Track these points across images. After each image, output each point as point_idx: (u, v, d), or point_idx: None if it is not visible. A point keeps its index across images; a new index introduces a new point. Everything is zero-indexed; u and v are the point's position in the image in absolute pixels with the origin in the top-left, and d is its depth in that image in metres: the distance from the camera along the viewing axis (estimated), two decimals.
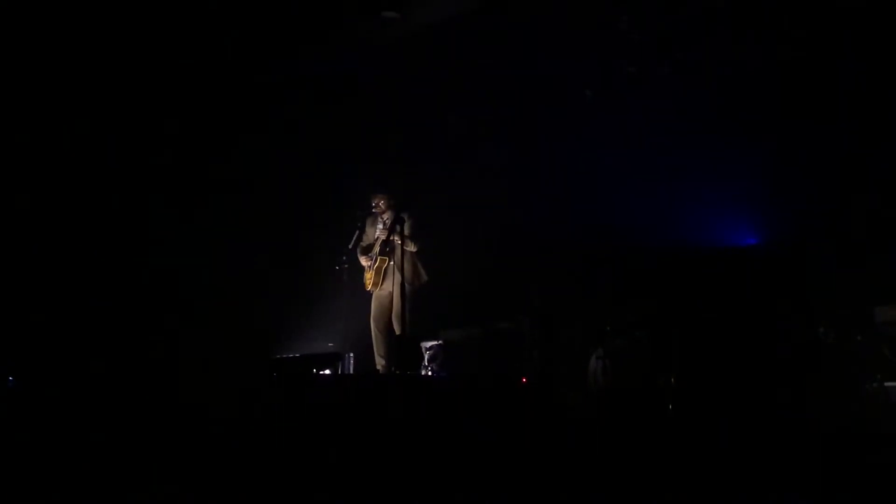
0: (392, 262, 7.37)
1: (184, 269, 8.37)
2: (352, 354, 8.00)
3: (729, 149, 7.87)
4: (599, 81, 8.43)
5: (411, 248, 7.26)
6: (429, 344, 7.89)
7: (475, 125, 8.95)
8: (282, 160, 8.91)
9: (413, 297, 7.11)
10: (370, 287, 7.57)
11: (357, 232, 7.64)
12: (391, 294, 7.43)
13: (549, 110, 8.66)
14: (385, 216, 7.57)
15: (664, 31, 7.97)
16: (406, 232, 7.13)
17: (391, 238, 7.30)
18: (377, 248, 7.52)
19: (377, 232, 7.61)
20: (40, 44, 7.70)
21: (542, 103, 8.66)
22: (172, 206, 8.48)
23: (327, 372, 7.16)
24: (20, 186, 7.85)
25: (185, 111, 8.49)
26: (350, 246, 7.62)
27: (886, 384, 6.23)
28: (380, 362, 7.48)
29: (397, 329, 7.24)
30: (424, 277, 7.46)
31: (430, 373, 7.70)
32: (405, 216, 7.16)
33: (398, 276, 7.08)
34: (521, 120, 8.80)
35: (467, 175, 8.92)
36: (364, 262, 7.62)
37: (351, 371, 7.86)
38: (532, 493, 4.48)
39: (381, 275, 7.49)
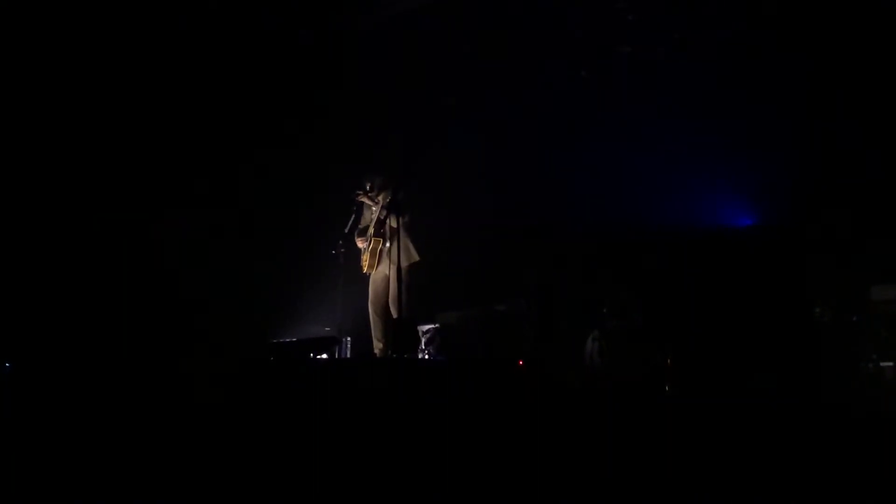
0: (387, 245, 7.37)
1: (179, 254, 8.34)
2: (349, 338, 8.00)
3: (724, 130, 7.86)
4: (595, 62, 8.40)
5: (402, 219, 7.24)
6: (426, 327, 7.89)
7: (471, 104, 8.91)
8: (277, 145, 8.87)
9: (408, 279, 7.10)
10: (366, 269, 7.56)
11: (353, 215, 7.63)
12: (386, 277, 7.43)
13: (545, 90, 8.63)
14: (380, 198, 7.55)
15: (660, 11, 7.94)
16: (400, 207, 7.11)
17: (386, 220, 7.30)
18: (371, 230, 7.51)
19: (372, 214, 7.60)
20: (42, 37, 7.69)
21: (538, 83, 8.62)
22: (166, 191, 8.44)
23: (324, 356, 7.17)
24: (23, 178, 7.85)
25: (181, 100, 8.45)
26: (346, 230, 7.62)
27: (882, 364, 6.25)
28: (377, 346, 7.49)
29: (394, 312, 7.23)
30: (416, 257, 7.42)
31: (427, 356, 7.70)
32: (400, 195, 7.15)
33: (393, 259, 7.07)
34: (516, 100, 8.77)
35: (463, 156, 8.89)
36: (360, 244, 7.61)
37: (348, 355, 7.86)
38: (530, 474, 4.49)
39: (375, 257, 7.49)
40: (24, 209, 7.86)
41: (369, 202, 7.56)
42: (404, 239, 7.30)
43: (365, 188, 7.60)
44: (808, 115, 7.46)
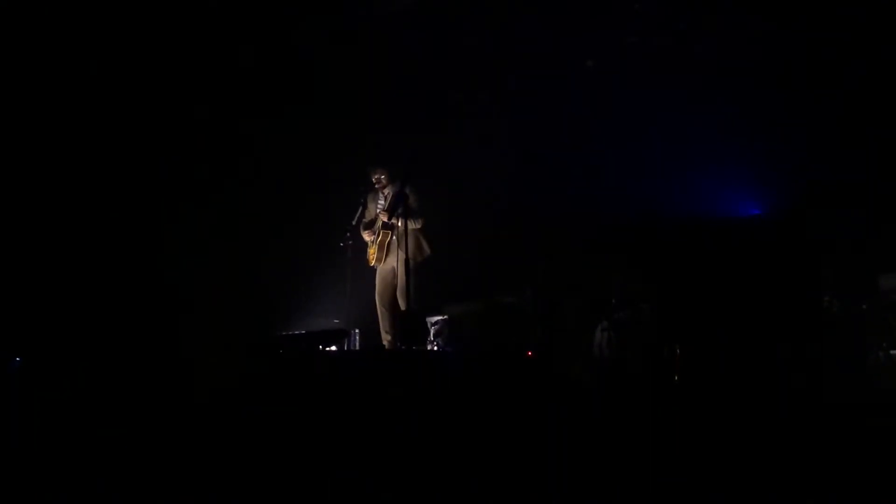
0: (394, 237, 7.37)
1: (187, 248, 8.36)
2: (357, 331, 8.01)
3: (732, 119, 7.84)
4: (601, 52, 8.37)
5: (414, 225, 7.23)
6: (434, 319, 7.90)
7: (477, 96, 8.89)
8: (283, 137, 8.87)
9: (417, 272, 7.10)
10: (373, 262, 7.57)
11: (360, 208, 7.63)
12: (394, 269, 7.43)
13: (551, 81, 8.60)
14: (386, 191, 7.55)
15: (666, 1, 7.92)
16: (409, 207, 7.11)
17: (392, 220, 7.31)
18: (379, 223, 7.50)
19: (378, 207, 7.59)
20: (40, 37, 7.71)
21: (544, 74, 8.59)
22: (174, 184, 8.46)
23: (333, 348, 7.18)
24: (25, 178, 7.88)
25: (183, 93, 8.45)
26: (353, 222, 7.63)
27: (892, 353, 6.23)
28: (385, 338, 7.50)
29: (402, 305, 7.23)
30: (427, 252, 7.45)
31: (435, 348, 7.71)
32: (407, 192, 7.13)
33: (401, 252, 7.07)
34: (522, 91, 8.74)
35: (469, 148, 8.87)
36: (367, 237, 7.62)
37: (357, 347, 7.88)
38: (538, 466, 4.49)
39: (384, 250, 7.49)
40: (30, 206, 7.88)
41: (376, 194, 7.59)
42: (416, 234, 7.29)
43: (372, 182, 7.60)
44: (817, 104, 7.43)
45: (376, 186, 7.61)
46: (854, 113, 7.31)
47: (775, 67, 7.67)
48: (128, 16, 7.87)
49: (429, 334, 7.82)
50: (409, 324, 7.06)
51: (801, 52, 7.49)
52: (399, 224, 7.13)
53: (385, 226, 7.43)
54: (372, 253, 7.57)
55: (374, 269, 7.63)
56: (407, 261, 6.86)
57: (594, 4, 8.06)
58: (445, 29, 8.47)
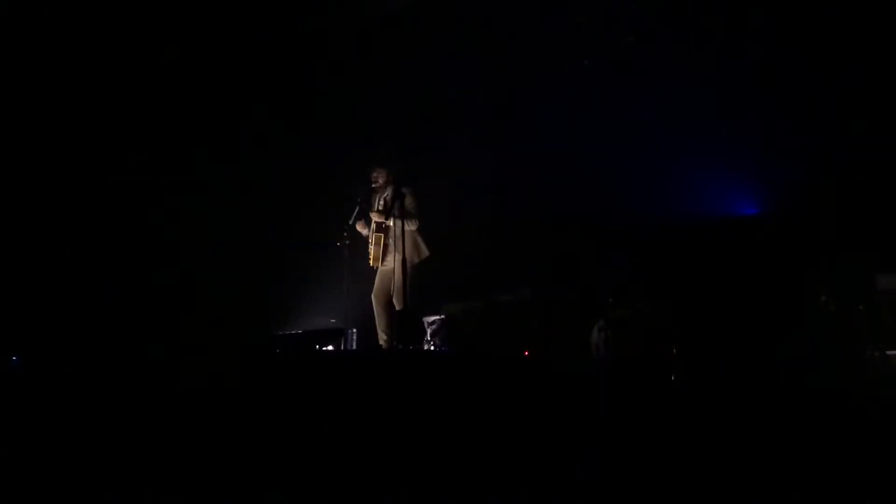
0: (391, 239, 7.35)
1: (183, 247, 8.37)
2: (354, 330, 8.01)
3: (728, 119, 7.85)
4: (598, 51, 8.37)
5: (411, 226, 7.22)
6: (431, 318, 7.89)
7: (473, 96, 8.89)
8: (281, 135, 8.87)
9: (414, 272, 7.10)
10: (373, 263, 7.55)
11: (357, 207, 7.61)
12: (394, 270, 7.42)
13: (548, 80, 8.60)
14: (384, 191, 7.54)
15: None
16: (405, 209, 7.11)
17: (386, 222, 7.30)
18: (374, 224, 7.50)
19: (376, 207, 7.59)
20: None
21: (541, 73, 8.59)
22: (169, 182, 8.46)
23: (330, 348, 7.19)
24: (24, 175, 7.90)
25: (180, 88, 8.45)
26: (350, 221, 7.61)
27: (888, 352, 6.24)
28: (381, 337, 7.49)
29: (398, 304, 7.23)
30: (425, 252, 7.43)
31: (433, 347, 7.72)
32: (404, 192, 7.13)
33: (398, 252, 7.06)
34: (519, 90, 8.74)
35: (467, 147, 8.87)
36: (360, 228, 7.60)
37: (354, 346, 7.87)
38: (535, 465, 4.50)
39: (380, 248, 7.47)
40: (28, 205, 7.90)
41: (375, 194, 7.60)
42: (413, 235, 7.28)
43: (370, 181, 7.60)
44: (814, 104, 7.44)
45: (373, 186, 7.61)
46: (852, 113, 7.32)
47: (773, 67, 7.67)
48: (135, 14, 7.90)
49: (425, 334, 7.82)
50: (405, 323, 7.06)
51: (799, 52, 7.50)
52: (393, 225, 7.13)
53: (378, 227, 7.42)
54: (370, 252, 7.57)
55: (374, 269, 7.62)
56: (404, 261, 6.85)
57: (592, 2, 8.06)
58: (444, 29, 8.48)
